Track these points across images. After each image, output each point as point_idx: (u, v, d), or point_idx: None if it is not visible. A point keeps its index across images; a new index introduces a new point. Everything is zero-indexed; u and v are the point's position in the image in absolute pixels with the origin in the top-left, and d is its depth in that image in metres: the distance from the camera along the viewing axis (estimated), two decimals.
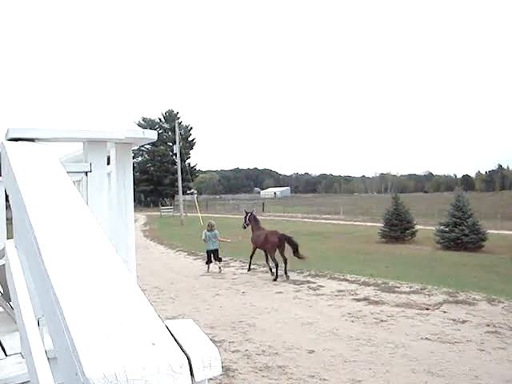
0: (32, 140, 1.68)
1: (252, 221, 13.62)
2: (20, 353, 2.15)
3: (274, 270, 11.92)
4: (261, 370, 5.69)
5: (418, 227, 21.70)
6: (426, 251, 17.69)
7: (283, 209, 50.46)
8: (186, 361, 0.66)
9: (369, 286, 10.35)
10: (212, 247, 13.64)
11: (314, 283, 10.94)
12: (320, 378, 5.40)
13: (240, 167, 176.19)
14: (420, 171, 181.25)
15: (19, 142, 1.63)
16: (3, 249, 2.11)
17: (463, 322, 7.46)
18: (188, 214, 41.47)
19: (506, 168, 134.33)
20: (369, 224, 28.39)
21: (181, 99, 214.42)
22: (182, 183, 42.90)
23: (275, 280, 11.49)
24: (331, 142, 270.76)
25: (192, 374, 0.66)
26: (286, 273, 11.86)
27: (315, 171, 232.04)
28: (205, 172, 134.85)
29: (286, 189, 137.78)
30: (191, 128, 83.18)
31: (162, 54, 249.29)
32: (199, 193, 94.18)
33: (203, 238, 13.84)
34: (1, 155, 1.62)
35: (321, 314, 8.29)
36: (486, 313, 7.90)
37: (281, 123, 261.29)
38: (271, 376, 5.51)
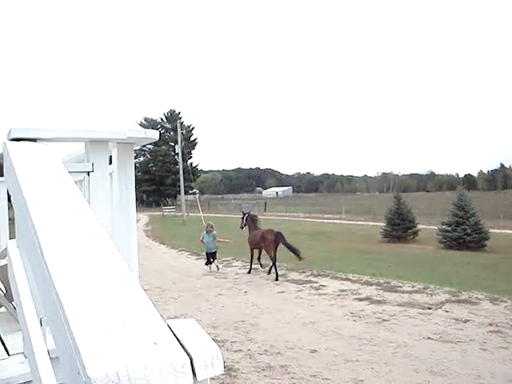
0: (34, 140, 1.68)
1: (249, 221, 13.68)
2: (22, 352, 2.15)
3: (266, 268, 12.46)
4: (263, 370, 5.69)
5: (420, 226, 21.68)
6: (428, 250, 17.67)
7: (285, 208, 50.41)
8: (188, 360, 0.66)
9: (371, 285, 10.34)
10: (212, 249, 13.64)
11: (316, 283, 10.93)
12: (322, 378, 5.40)
13: (242, 167, 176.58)
14: (422, 170, 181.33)
15: (21, 142, 1.64)
16: (6, 249, 2.11)
17: (466, 321, 7.45)
18: (190, 214, 41.49)
19: (508, 167, 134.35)
20: (371, 223, 28.35)
21: (183, 99, 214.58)
22: (184, 183, 42.95)
23: (277, 279, 11.56)
24: (333, 141, 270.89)
25: (194, 373, 0.66)
26: (270, 270, 12.28)
27: (317, 171, 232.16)
28: (207, 172, 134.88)
29: (288, 188, 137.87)
30: (193, 128, 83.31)
31: (163, 54, 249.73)
32: (201, 193, 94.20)
33: (201, 239, 13.89)
34: (3, 155, 1.62)
35: (323, 313, 8.29)
36: (488, 312, 7.89)
37: (283, 123, 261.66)
38: (273, 375, 5.51)
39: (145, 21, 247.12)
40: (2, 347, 2.34)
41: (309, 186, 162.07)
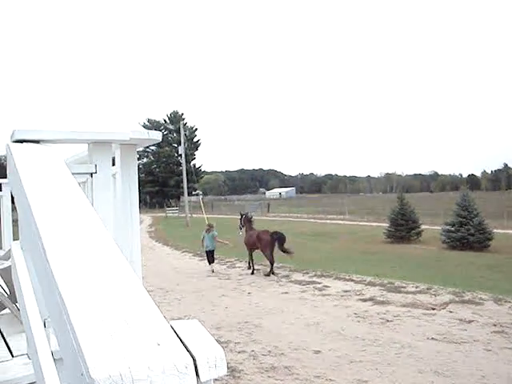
0: (37, 142, 1.68)
1: (245, 222, 13.80)
2: (26, 354, 2.15)
3: (256, 267, 12.96)
4: (267, 371, 5.69)
5: (423, 227, 21.63)
6: (432, 251, 17.63)
7: (288, 209, 50.42)
8: (192, 361, 0.66)
9: (375, 286, 10.33)
10: (209, 247, 13.79)
11: (320, 283, 10.93)
12: (326, 379, 5.39)
13: (245, 168, 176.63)
14: (425, 171, 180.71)
15: (24, 144, 1.64)
16: (9, 250, 2.12)
17: (470, 321, 7.43)
18: (193, 215, 41.50)
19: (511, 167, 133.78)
20: (374, 224, 28.31)
21: (186, 100, 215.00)
22: (187, 184, 42.97)
23: (268, 275, 12.14)
24: (336, 142, 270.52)
25: (197, 374, 0.65)
26: (270, 271, 12.45)
27: (320, 171, 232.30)
28: (210, 173, 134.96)
29: (292, 189, 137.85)
30: (196, 129, 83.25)
31: (166, 55, 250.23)
32: (204, 194, 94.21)
33: (202, 238, 14.07)
34: (6, 157, 1.63)
35: (327, 314, 8.28)
36: (492, 313, 7.87)
37: (286, 124, 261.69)
38: (277, 376, 5.51)
39: (148, 22, 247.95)
40: (6, 348, 2.34)
41: (312, 186, 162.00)
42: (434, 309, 8.26)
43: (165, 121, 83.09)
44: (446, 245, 18.56)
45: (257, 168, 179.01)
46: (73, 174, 1.38)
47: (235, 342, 6.82)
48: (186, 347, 0.68)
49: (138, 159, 2.61)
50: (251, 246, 13.12)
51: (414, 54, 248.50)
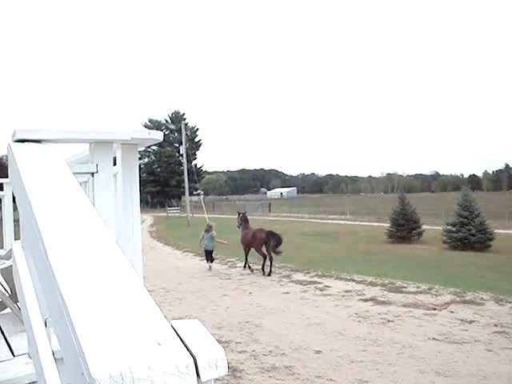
0: (38, 141, 1.68)
1: (242, 221, 13.87)
2: (27, 353, 2.16)
3: (255, 266, 12.94)
4: (268, 371, 5.68)
5: (424, 227, 21.62)
6: (433, 251, 17.62)
7: (290, 209, 50.45)
8: (192, 361, 0.66)
9: (376, 286, 10.33)
10: (208, 247, 13.90)
11: (321, 283, 10.92)
12: (327, 379, 5.39)
13: (246, 168, 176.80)
14: (427, 171, 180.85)
15: (25, 144, 1.64)
16: (11, 250, 2.12)
17: (471, 322, 7.43)
18: (195, 215, 41.51)
19: None
20: (375, 224, 28.31)
21: (187, 100, 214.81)
22: (189, 184, 43.02)
23: (267, 274, 12.23)
24: (337, 142, 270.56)
25: (198, 374, 0.65)
26: (270, 271, 12.46)
27: (322, 171, 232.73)
28: (211, 173, 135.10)
29: (293, 189, 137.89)
30: (197, 129, 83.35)
31: (167, 55, 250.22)
32: (206, 194, 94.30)
33: (201, 237, 14.19)
34: (8, 157, 1.63)
35: (328, 314, 8.28)
36: (493, 313, 7.86)
37: (287, 124, 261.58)
38: (278, 376, 5.51)
39: (150, 22, 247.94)
40: (7, 348, 2.34)
41: (313, 186, 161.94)
42: (435, 309, 8.26)
43: (166, 121, 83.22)
44: (447, 245, 18.56)
45: (258, 168, 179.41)
46: (74, 173, 1.38)
47: (236, 342, 6.82)
48: (186, 347, 0.68)
49: (140, 159, 2.61)
50: (247, 245, 13.20)
51: (416, 54, 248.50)
